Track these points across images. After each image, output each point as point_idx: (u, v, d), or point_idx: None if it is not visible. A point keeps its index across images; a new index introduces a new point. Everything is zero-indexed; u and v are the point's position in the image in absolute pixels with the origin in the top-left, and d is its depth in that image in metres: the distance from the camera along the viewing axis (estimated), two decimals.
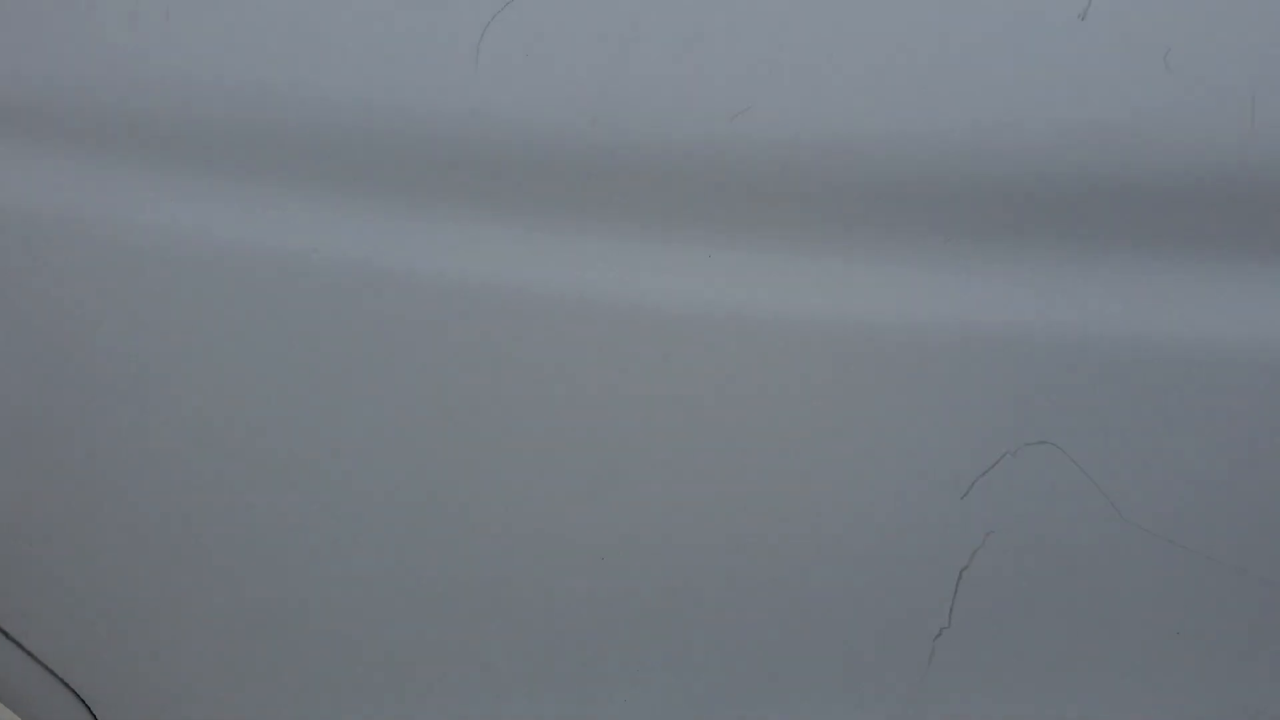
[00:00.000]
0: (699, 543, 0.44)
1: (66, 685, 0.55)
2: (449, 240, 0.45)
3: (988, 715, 0.45)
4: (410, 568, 0.48)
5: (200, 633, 0.52)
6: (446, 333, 0.46)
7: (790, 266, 0.42)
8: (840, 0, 0.40)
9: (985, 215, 0.41)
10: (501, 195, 0.44)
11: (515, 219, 0.45)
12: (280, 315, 0.45)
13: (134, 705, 0.56)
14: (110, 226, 0.48)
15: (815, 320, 0.42)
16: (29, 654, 0.56)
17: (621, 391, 0.44)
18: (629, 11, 0.42)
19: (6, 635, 0.56)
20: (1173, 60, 0.41)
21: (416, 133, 0.44)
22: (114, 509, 0.51)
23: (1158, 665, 0.44)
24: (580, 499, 0.45)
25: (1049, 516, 0.43)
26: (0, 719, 0.59)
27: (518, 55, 0.43)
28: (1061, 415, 0.41)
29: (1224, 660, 0.43)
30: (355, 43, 0.44)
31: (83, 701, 0.56)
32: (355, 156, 0.45)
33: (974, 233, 0.41)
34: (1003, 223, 0.41)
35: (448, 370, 0.46)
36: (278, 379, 0.47)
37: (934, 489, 0.43)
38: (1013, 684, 0.45)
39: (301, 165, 0.46)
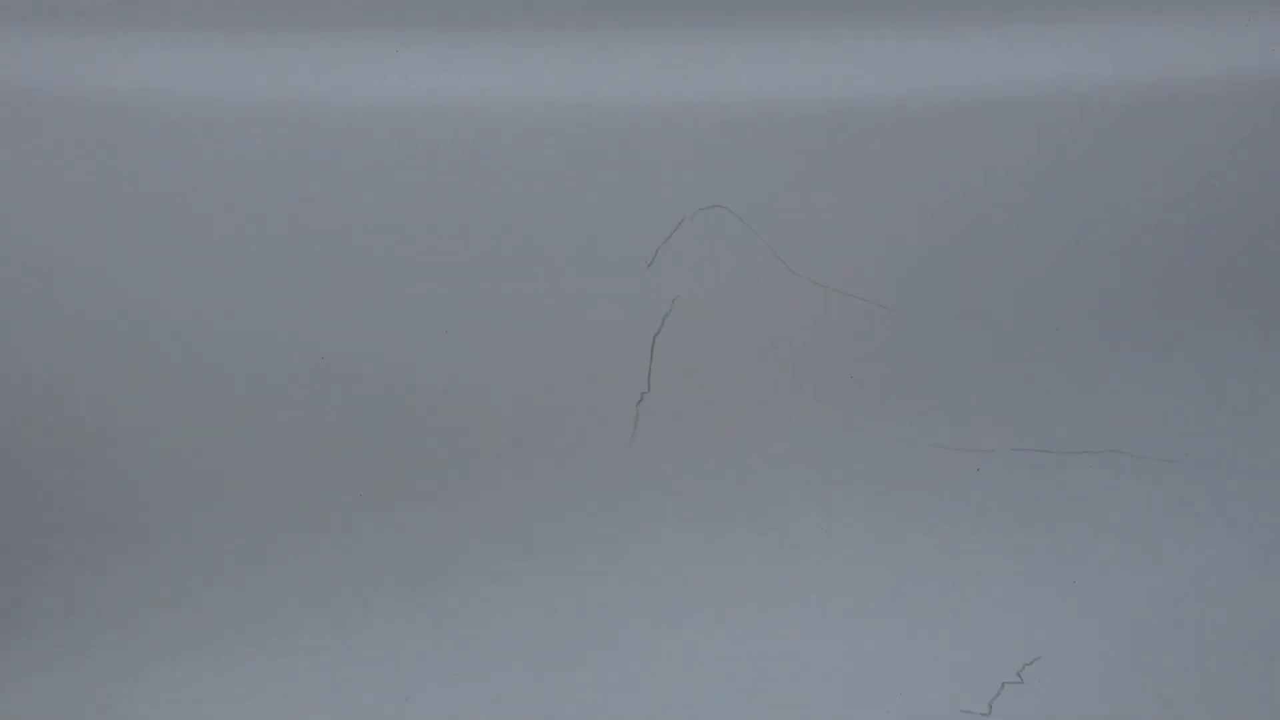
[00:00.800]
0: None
1: None
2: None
3: (685, 466, 0.49)
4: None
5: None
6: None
7: (477, 50, 0.44)
8: None
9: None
10: None
11: None
12: None
13: None
14: None
15: (504, 101, 0.44)
16: None
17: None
18: None
19: None
20: None
21: None
22: None
23: (828, 399, 0.48)
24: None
25: (727, 276, 0.46)
26: None
27: None
28: (730, 181, 0.44)
29: (888, 392, 0.47)
30: None
31: None
32: None
33: (642, 13, 0.43)
34: (664, 8, 0.43)
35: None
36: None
37: (623, 261, 0.46)
38: (704, 436, 0.48)
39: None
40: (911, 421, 0.48)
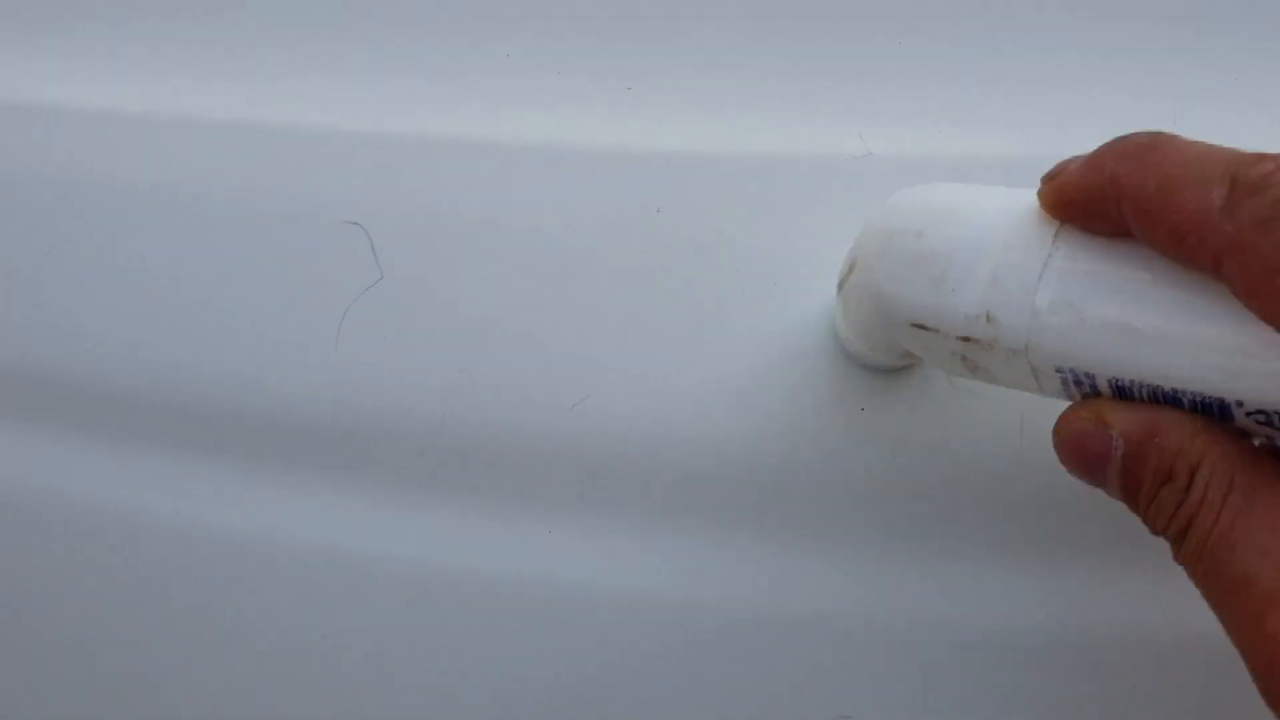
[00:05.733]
0: None
1: None
2: (305, 510, 0.48)
3: None
4: None
5: None
6: (293, 596, 0.47)
7: (622, 545, 0.46)
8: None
9: (789, 510, 0.45)
10: (356, 472, 0.47)
11: (369, 494, 0.47)
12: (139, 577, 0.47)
13: None
14: None
15: (643, 596, 0.45)
16: None
17: (458, 660, 0.46)
18: (480, 309, 0.46)
19: None
20: None
21: (276, 409, 0.47)
22: None
23: None
24: None
25: None
26: None
27: (376, 343, 0.46)
28: (856, 692, 0.45)
29: None
30: (220, 321, 0.47)
31: None
32: (222, 430, 0.47)
33: (782, 528, 0.45)
34: (811, 517, 0.45)
35: (289, 629, 0.47)
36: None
37: None
38: None
39: (168, 434, 0.48)
40: None
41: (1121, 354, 0.29)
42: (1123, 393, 0.30)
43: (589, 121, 0.49)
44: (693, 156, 0.48)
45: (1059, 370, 0.31)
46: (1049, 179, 0.31)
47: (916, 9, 0.49)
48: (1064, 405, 0.33)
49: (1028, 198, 0.32)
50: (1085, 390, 0.31)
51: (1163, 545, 0.31)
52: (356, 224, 0.46)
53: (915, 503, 0.45)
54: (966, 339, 0.32)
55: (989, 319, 0.31)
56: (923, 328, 0.34)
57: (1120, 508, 0.34)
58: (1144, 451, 0.29)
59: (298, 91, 0.49)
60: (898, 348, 0.37)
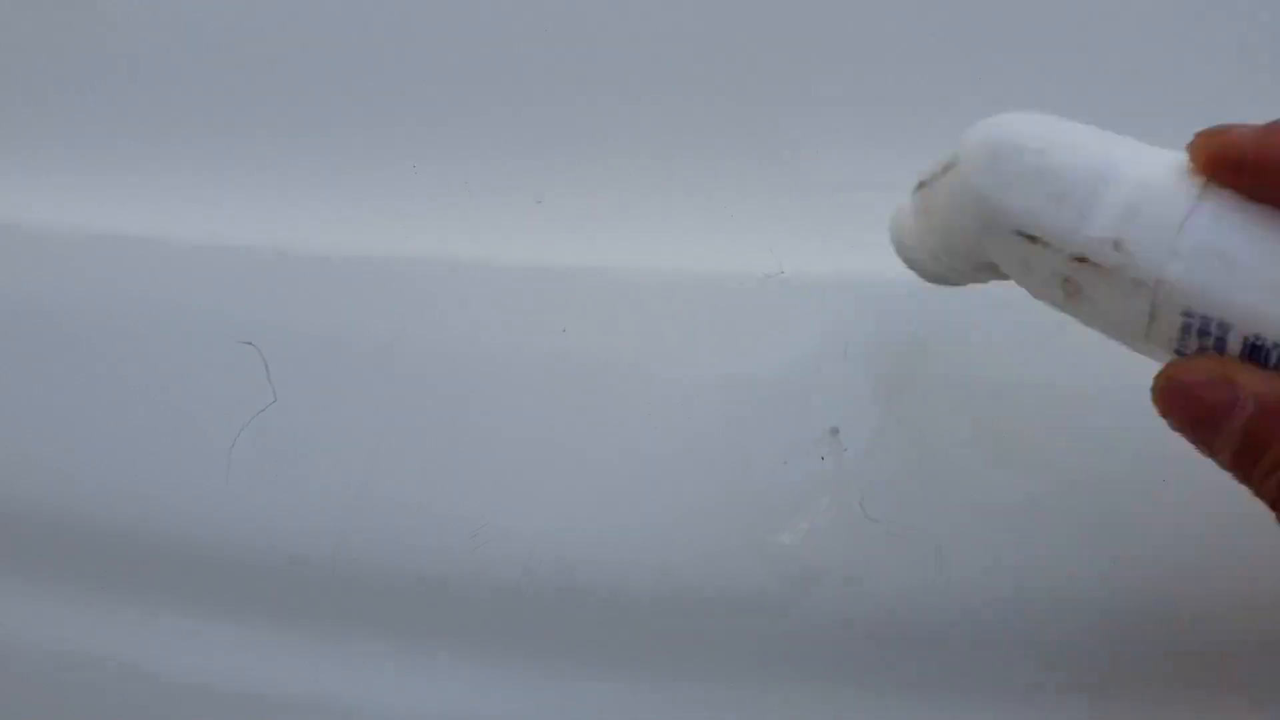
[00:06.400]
0: None
1: None
2: (190, 642, 0.46)
3: None
4: None
5: None
6: None
7: (519, 676, 0.44)
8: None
9: (698, 641, 0.43)
10: (245, 602, 0.45)
11: (257, 625, 0.45)
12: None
13: None
14: None
15: None
16: None
17: None
18: (376, 433, 0.44)
19: None
20: None
21: (163, 535, 0.45)
22: None
23: None
24: None
25: None
26: None
27: (268, 468, 0.44)
28: None
29: None
30: (106, 442, 0.45)
31: None
32: (105, 556, 0.46)
33: (686, 659, 0.43)
34: (714, 651, 0.43)
35: None
36: None
37: None
38: None
39: (47, 559, 0.46)
40: None
41: (1274, 312, 0.27)
42: (1255, 354, 0.28)
43: (495, 236, 0.48)
44: (601, 272, 0.46)
45: (1186, 314, 0.29)
46: (1210, 135, 0.29)
47: (829, 125, 0.48)
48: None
49: (1162, 153, 0.30)
50: (1206, 344, 0.29)
51: None
52: (250, 344, 0.45)
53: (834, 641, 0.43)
54: (1081, 259, 0.30)
55: (1117, 246, 0.30)
56: (1029, 239, 0.32)
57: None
58: (1277, 420, 0.27)
59: (191, 206, 0.48)
60: (979, 259, 0.35)
